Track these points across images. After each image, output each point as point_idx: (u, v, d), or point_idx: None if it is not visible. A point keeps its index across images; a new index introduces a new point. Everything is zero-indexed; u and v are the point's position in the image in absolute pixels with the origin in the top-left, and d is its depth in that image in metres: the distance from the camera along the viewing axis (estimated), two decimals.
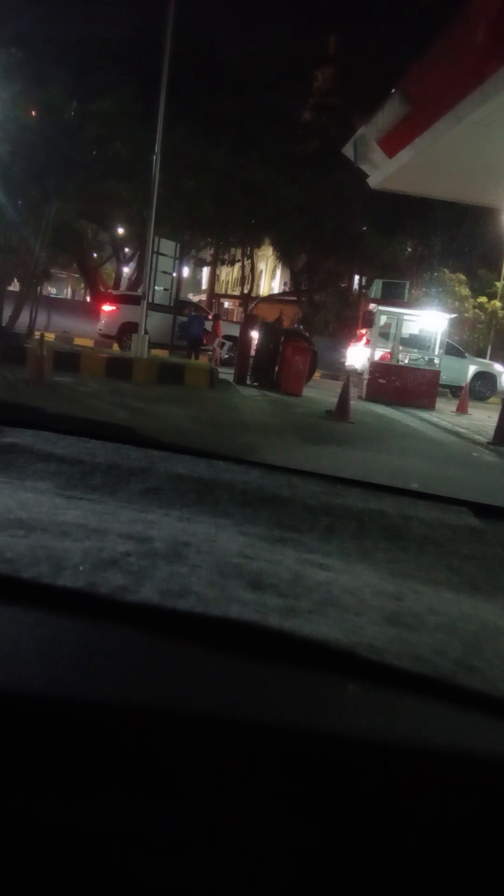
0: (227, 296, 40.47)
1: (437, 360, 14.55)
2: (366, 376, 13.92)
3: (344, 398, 9.66)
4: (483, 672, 0.48)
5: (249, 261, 32.20)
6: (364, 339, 17.43)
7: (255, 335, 13.55)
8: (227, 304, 39.24)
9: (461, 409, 13.18)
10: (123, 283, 25.26)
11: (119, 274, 27.20)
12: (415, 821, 0.41)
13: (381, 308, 14.35)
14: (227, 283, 42.86)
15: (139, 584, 0.52)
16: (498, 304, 25.09)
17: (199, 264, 34.58)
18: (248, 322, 14.43)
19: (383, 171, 6.79)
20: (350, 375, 12.17)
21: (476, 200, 8.89)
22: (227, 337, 17.46)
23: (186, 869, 0.40)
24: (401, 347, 14.58)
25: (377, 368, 13.82)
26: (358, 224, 24.37)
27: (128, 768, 0.40)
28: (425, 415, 12.12)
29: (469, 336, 24.33)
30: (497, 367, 19.75)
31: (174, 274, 15.99)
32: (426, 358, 14.80)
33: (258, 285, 37.22)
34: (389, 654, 0.48)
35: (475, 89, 4.85)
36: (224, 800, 0.40)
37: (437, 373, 13.98)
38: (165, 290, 15.75)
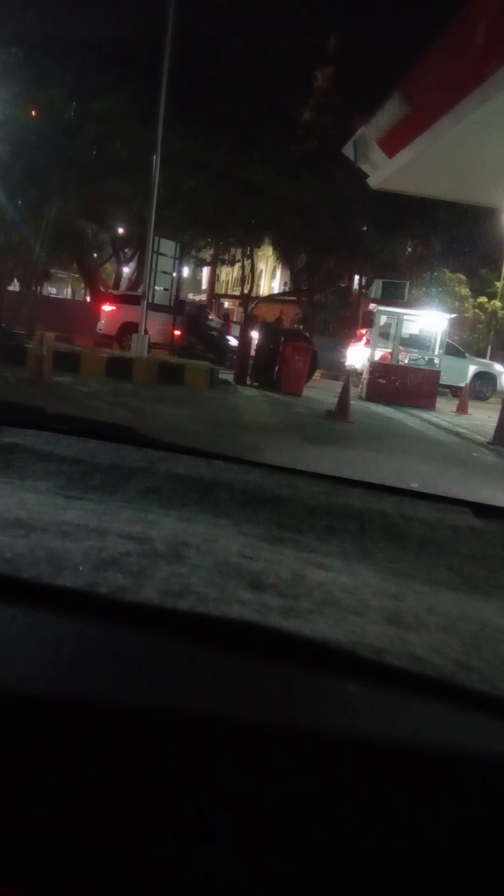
0: (227, 296, 40.44)
1: (437, 360, 14.55)
2: (366, 376, 13.92)
3: (344, 398, 9.65)
4: (483, 672, 0.48)
5: (249, 261, 32.15)
6: (364, 339, 17.44)
7: (255, 335, 13.55)
8: (227, 304, 39.22)
9: (461, 409, 13.19)
10: (123, 283, 25.24)
11: (119, 274, 27.18)
12: (415, 821, 0.41)
13: (381, 308, 14.35)
14: (227, 283, 42.82)
15: (139, 584, 0.52)
16: (498, 304, 25.08)
17: (199, 264, 34.55)
18: (248, 322, 14.42)
19: (383, 171, 6.78)
20: (350, 375, 12.17)
21: (476, 200, 8.87)
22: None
23: (186, 869, 0.40)
24: (401, 347, 14.58)
25: (377, 368, 13.82)
26: (358, 224, 24.35)
27: (128, 768, 0.40)
28: (425, 415, 12.12)
29: (469, 336, 24.32)
30: (497, 367, 19.76)
31: (174, 274, 16.00)
32: (426, 358, 14.80)
33: (258, 285, 37.17)
34: (389, 654, 0.48)
35: (475, 89, 4.84)
36: (223, 800, 0.40)
37: (437, 373, 13.99)
38: (165, 290, 15.76)
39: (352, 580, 0.63)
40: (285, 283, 34.67)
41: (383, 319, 14.49)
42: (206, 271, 40.36)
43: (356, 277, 29.16)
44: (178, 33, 12.90)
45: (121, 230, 24.24)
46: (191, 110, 19.14)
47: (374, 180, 7.14)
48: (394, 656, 0.48)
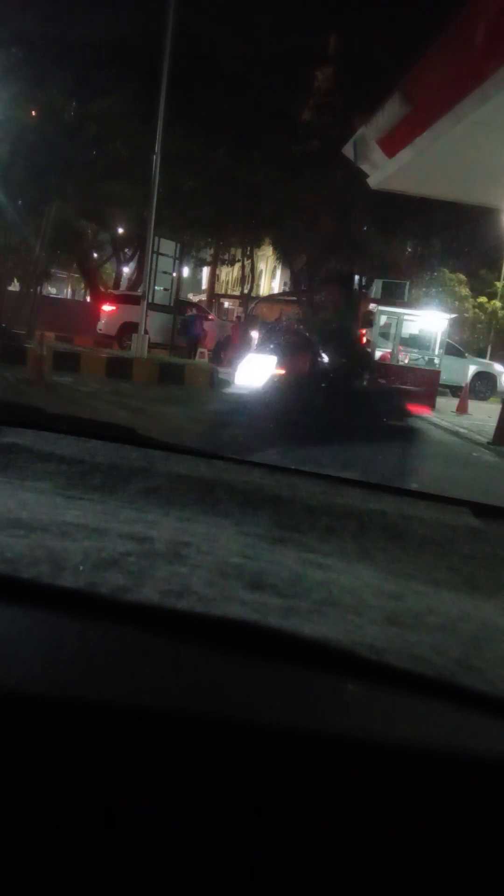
0: (227, 296, 40.42)
1: (437, 360, 14.55)
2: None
3: None
4: (483, 672, 0.48)
5: (249, 261, 32.14)
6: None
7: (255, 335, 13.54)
8: (227, 304, 39.20)
9: (461, 409, 13.17)
10: (123, 283, 25.23)
11: (119, 274, 27.17)
12: (415, 821, 0.41)
13: (381, 308, 14.35)
14: (227, 283, 42.80)
15: (139, 584, 0.52)
16: (498, 304, 25.06)
17: (199, 264, 34.53)
18: (248, 322, 14.42)
19: (383, 171, 6.77)
20: None
21: (476, 200, 8.86)
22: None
23: (186, 869, 0.40)
24: (401, 347, 14.57)
25: (377, 368, 13.81)
26: (358, 224, 24.35)
27: (128, 768, 0.40)
28: (426, 415, 12.11)
29: (469, 336, 24.31)
30: (497, 367, 19.73)
31: (174, 274, 16.00)
32: (426, 358, 14.80)
33: (258, 285, 37.17)
34: (389, 654, 0.48)
35: (475, 89, 4.84)
36: (224, 800, 0.40)
37: (437, 373, 13.98)
38: (165, 290, 15.76)
39: (352, 580, 0.63)
40: (285, 283, 34.65)
41: (383, 319, 14.49)
42: (206, 271, 40.34)
43: (356, 277, 29.13)
44: (178, 33, 12.92)
45: (121, 230, 24.22)
46: (191, 110, 19.13)
47: (374, 180, 7.14)
48: (394, 656, 0.48)
